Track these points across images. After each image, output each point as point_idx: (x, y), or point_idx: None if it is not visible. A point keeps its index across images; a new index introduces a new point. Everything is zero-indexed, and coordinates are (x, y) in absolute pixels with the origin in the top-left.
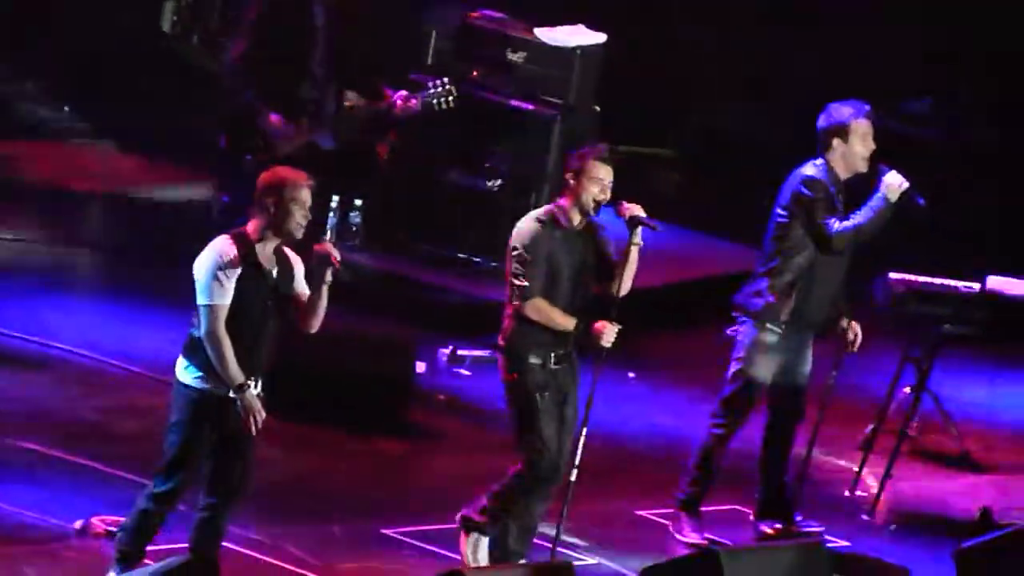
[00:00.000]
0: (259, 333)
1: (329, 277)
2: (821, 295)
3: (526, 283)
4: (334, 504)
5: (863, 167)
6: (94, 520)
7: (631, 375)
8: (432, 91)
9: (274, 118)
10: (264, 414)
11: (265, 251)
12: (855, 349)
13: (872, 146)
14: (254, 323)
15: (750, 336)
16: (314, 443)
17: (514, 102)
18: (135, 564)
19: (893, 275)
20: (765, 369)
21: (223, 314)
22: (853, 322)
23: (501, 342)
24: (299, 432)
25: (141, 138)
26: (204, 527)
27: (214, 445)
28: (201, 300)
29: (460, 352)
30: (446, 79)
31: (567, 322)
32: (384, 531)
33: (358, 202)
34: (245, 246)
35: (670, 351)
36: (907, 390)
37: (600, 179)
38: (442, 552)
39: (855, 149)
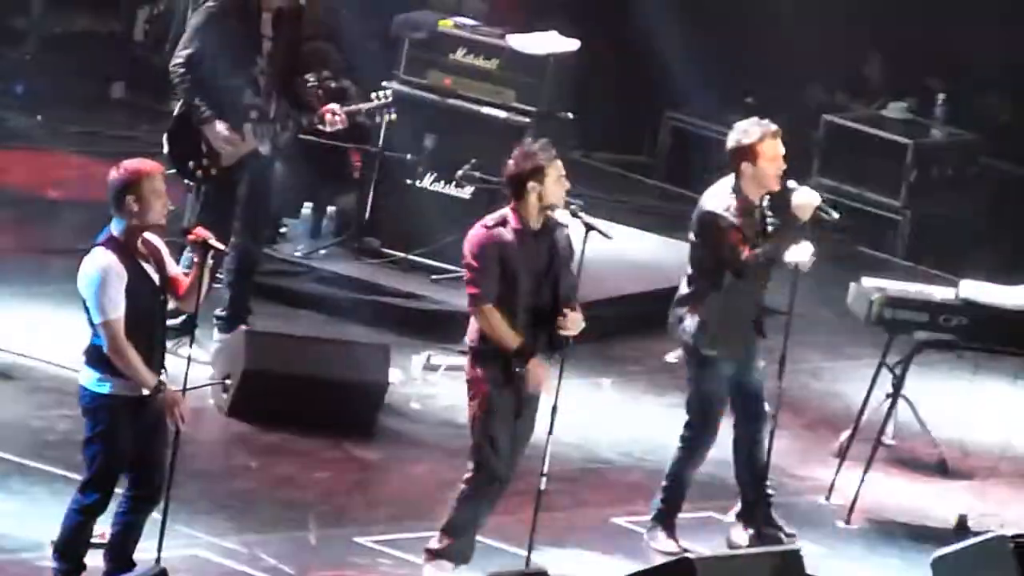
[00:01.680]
0: (155, 330)
1: (210, 260)
2: (743, 318)
3: (476, 290)
4: (308, 512)
5: (774, 186)
6: None
7: (607, 382)
8: (373, 104)
9: (220, 126)
10: (186, 404)
11: (139, 249)
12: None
13: (780, 162)
14: (151, 322)
15: (690, 360)
16: (288, 451)
17: (487, 109)
18: None
19: (867, 281)
20: (713, 388)
21: (121, 326)
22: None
23: (468, 342)
24: (273, 440)
25: (115, 146)
26: (126, 524)
27: (134, 447)
28: (97, 319)
29: (434, 360)
30: (387, 92)
31: (511, 340)
32: (358, 539)
33: (331, 209)
34: (122, 252)
35: (646, 358)
36: (883, 397)
37: (563, 175)
38: (416, 560)
39: (764, 170)
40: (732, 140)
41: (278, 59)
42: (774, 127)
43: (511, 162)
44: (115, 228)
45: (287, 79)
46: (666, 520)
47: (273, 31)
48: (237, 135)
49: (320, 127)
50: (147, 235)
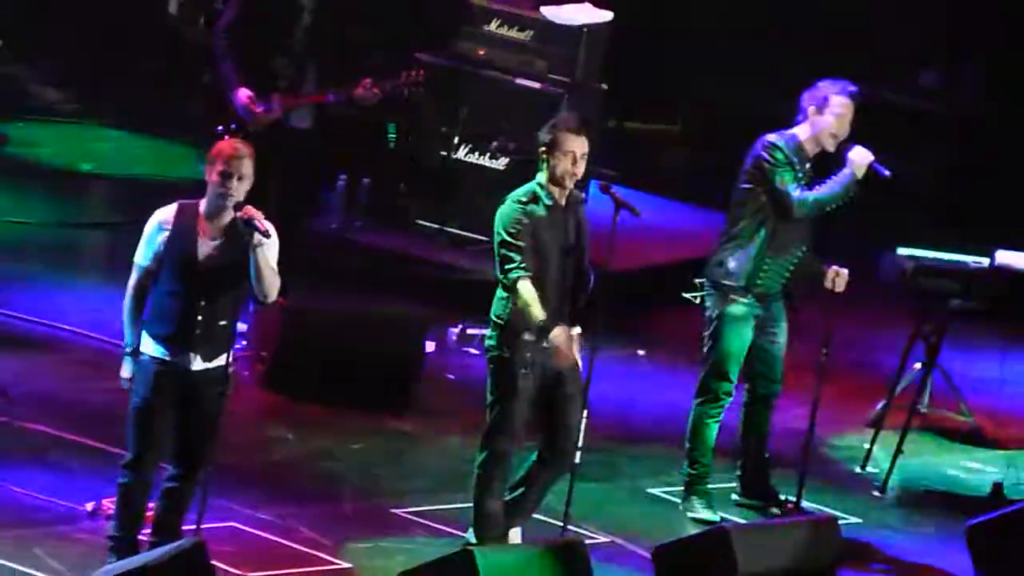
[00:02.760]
0: (190, 306)
1: (257, 241)
2: (783, 263)
3: (511, 264)
4: (345, 484)
5: (831, 146)
6: (105, 502)
7: (640, 352)
8: (403, 79)
9: (242, 93)
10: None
11: (215, 224)
12: (840, 289)
13: (846, 126)
14: (183, 295)
15: (716, 308)
16: (324, 423)
17: (520, 80)
18: (126, 552)
19: (901, 251)
20: (735, 340)
21: (139, 273)
22: (834, 268)
23: (495, 318)
24: (309, 412)
25: (149, 120)
26: (166, 498)
27: (176, 415)
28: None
29: (470, 331)
30: (416, 70)
31: (539, 315)
32: (395, 510)
33: (366, 180)
34: (187, 216)
35: (678, 328)
36: (917, 366)
37: (572, 151)
38: (452, 531)
39: (828, 123)
40: (809, 91)
41: (319, 32)
42: (853, 89)
43: (539, 134)
44: (204, 199)
45: (329, 54)
46: (699, 486)
47: (315, 2)
48: (260, 104)
49: (354, 101)
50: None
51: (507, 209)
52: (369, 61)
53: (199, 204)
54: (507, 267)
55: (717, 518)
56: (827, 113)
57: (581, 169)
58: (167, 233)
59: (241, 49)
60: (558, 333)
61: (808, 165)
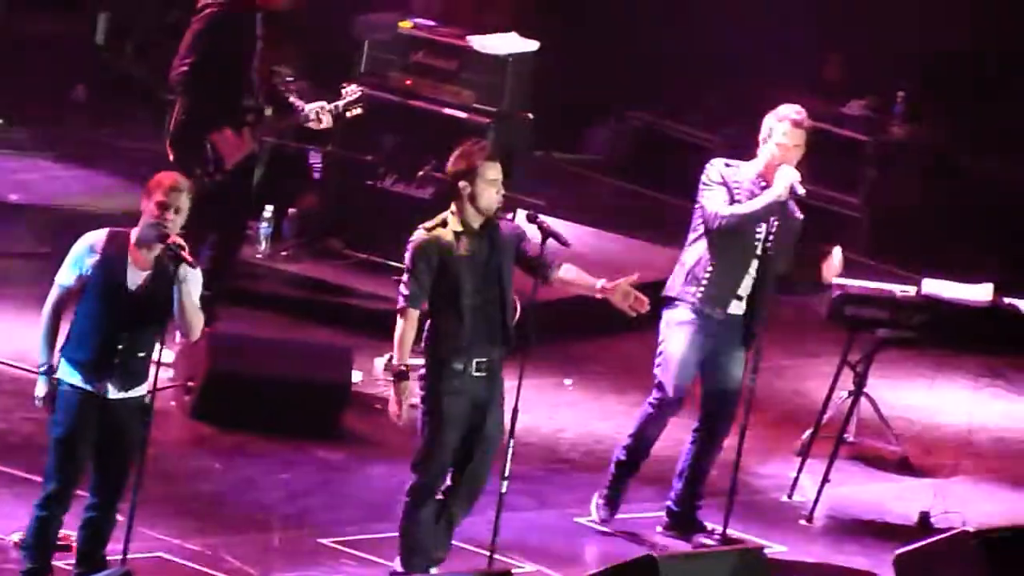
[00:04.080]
0: (113, 332)
1: (182, 275)
2: (730, 280)
3: (404, 293)
4: (273, 514)
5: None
6: None
7: (568, 382)
8: (348, 99)
9: (228, 133)
10: (48, 406)
11: (146, 253)
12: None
13: (792, 152)
14: (109, 323)
15: (666, 320)
16: (251, 452)
17: (447, 110)
18: None
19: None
20: (685, 351)
21: (58, 292)
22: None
23: (424, 345)
24: (236, 441)
25: (79, 150)
26: (89, 528)
27: (96, 445)
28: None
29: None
30: (355, 86)
31: (399, 355)
32: (322, 540)
33: (292, 211)
34: (117, 243)
35: (607, 358)
36: (844, 394)
37: (495, 179)
38: (380, 561)
39: (773, 152)
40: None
41: (265, 59)
42: (796, 116)
43: (449, 161)
44: (139, 224)
45: (268, 78)
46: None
47: (263, 30)
48: (241, 139)
49: (308, 125)
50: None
51: (413, 237)
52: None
53: (130, 233)
54: (401, 294)
55: (609, 517)
56: (771, 143)
57: (500, 197)
58: (97, 257)
59: (208, 90)
60: (395, 392)
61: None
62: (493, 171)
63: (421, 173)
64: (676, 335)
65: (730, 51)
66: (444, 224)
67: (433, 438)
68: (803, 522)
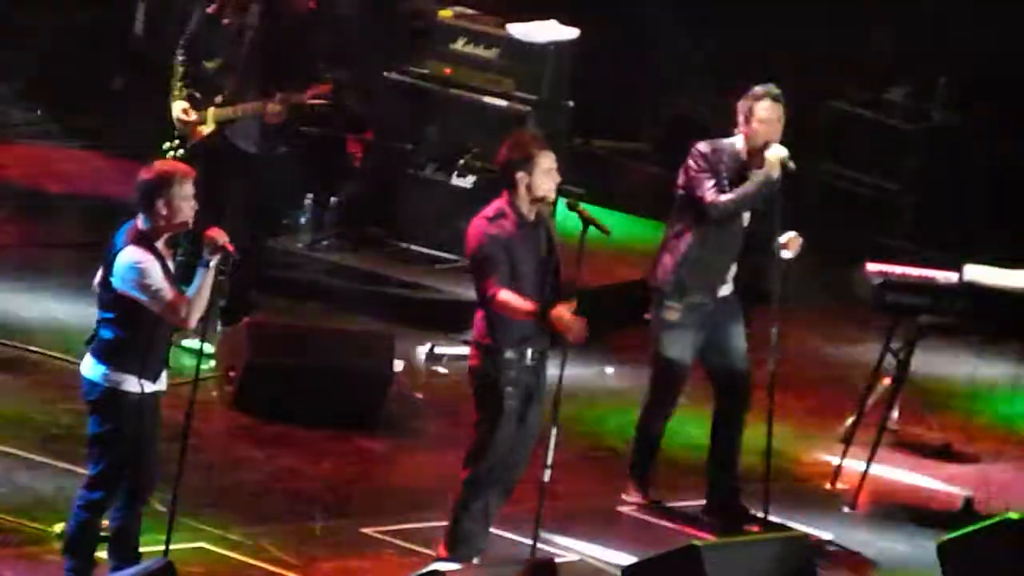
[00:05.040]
0: (168, 328)
1: (215, 262)
2: (718, 266)
3: (489, 281)
4: (314, 503)
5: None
6: None
7: (609, 370)
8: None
9: (177, 106)
10: None
11: (161, 244)
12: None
13: (775, 129)
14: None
15: (654, 315)
16: (292, 442)
17: (487, 99)
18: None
19: (871, 266)
20: (675, 345)
21: (175, 298)
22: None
23: (478, 340)
24: (277, 431)
25: (118, 140)
26: (123, 519)
27: (135, 440)
28: (159, 308)
29: (438, 349)
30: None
31: (531, 305)
32: (363, 530)
33: (333, 199)
34: (150, 247)
35: (648, 346)
36: (887, 382)
37: (552, 168)
38: (422, 550)
39: (756, 131)
40: (743, 98)
41: (260, 51)
42: (776, 91)
43: (502, 151)
44: (141, 224)
45: (268, 73)
46: (637, 474)
47: (259, 21)
48: (191, 116)
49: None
50: (212, 233)
51: (476, 227)
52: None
53: (144, 232)
54: (484, 285)
55: (645, 502)
56: (753, 122)
57: (555, 181)
58: (163, 275)
59: (193, 65)
60: (559, 312)
61: (748, 168)
62: (549, 160)
63: (461, 162)
64: (669, 336)
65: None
66: (502, 214)
67: (491, 431)
68: (846, 509)
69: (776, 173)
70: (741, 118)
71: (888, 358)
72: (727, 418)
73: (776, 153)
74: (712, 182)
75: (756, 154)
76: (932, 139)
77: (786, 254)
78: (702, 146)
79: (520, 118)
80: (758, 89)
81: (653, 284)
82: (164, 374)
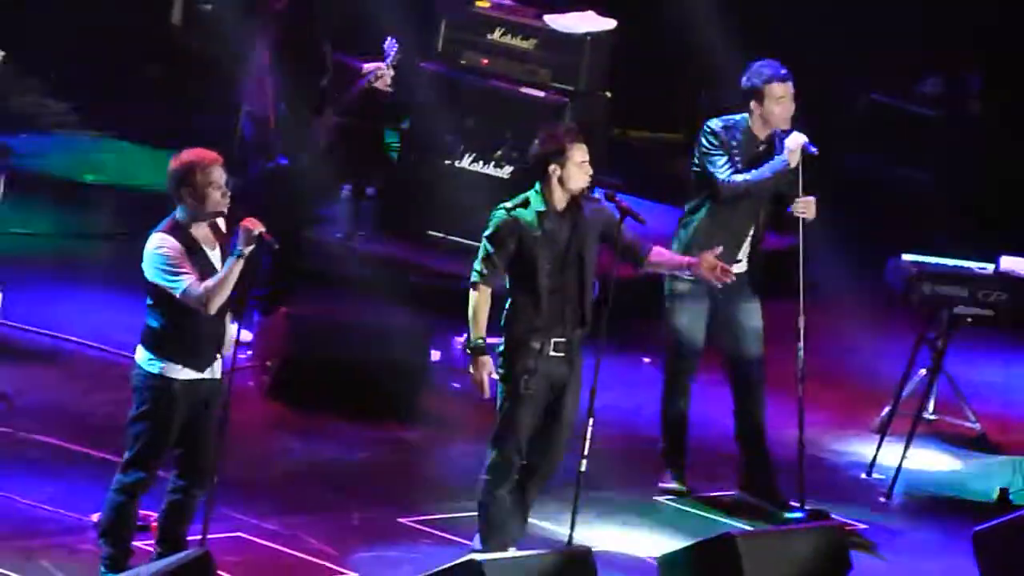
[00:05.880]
0: (214, 315)
1: (247, 252)
2: (729, 241)
3: (477, 268)
4: (351, 493)
5: (784, 125)
6: None
7: (646, 360)
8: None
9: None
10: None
11: (203, 236)
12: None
13: (788, 107)
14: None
15: (667, 290)
16: (330, 432)
17: (525, 89)
18: (124, 566)
19: (906, 257)
20: (681, 315)
21: (197, 285)
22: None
23: (502, 326)
24: (314, 421)
25: (150, 130)
26: (173, 509)
27: (186, 428)
28: (178, 293)
29: None
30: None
31: (476, 330)
32: (401, 520)
33: (370, 190)
34: (181, 236)
35: None
36: (922, 372)
37: (585, 161)
38: (459, 540)
39: (771, 112)
40: (744, 79)
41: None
42: (783, 71)
43: (535, 142)
44: (178, 214)
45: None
46: (669, 458)
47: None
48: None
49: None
50: (220, 226)
51: (493, 215)
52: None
53: (178, 221)
54: (474, 269)
55: (684, 488)
56: (766, 103)
57: (587, 174)
58: (187, 260)
59: (285, 75)
60: (478, 364)
61: (762, 147)
62: (581, 152)
63: (499, 152)
64: (679, 308)
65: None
66: (526, 204)
67: (510, 417)
68: (882, 499)
69: (795, 160)
70: (751, 102)
71: (923, 348)
72: (745, 393)
73: (796, 140)
74: (724, 159)
75: (768, 130)
76: (965, 129)
77: (803, 214)
78: (714, 123)
79: (557, 109)
80: (764, 69)
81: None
82: (216, 363)
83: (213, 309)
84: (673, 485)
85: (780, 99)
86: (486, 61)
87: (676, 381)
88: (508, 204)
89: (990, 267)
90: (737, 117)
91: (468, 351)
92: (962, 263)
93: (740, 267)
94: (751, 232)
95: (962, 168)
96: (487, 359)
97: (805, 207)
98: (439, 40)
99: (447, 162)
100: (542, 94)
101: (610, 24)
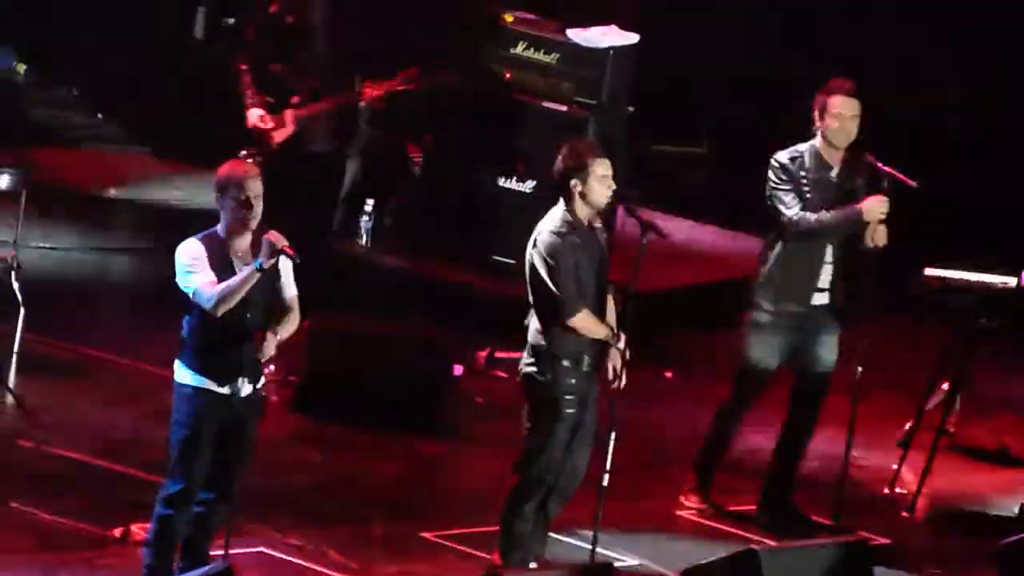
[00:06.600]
0: (244, 329)
1: (267, 265)
2: (809, 274)
3: (564, 296)
4: (373, 508)
5: (843, 142)
6: (133, 527)
7: (667, 374)
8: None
9: (253, 113)
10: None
11: (238, 247)
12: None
13: (851, 125)
14: (238, 322)
15: (749, 319)
16: (352, 445)
17: (547, 103)
18: None
19: (928, 270)
20: (762, 349)
21: (209, 287)
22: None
23: (534, 345)
24: (337, 435)
25: (175, 143)
26: (197, 522)
27: (217, 442)
28: (189, 293)
29: (498, 354)
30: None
31: (606, 331)
32: (423, 534)
33: (392, 203)
34: (214, 246)
35: (706, 349)
36: (945, 386)
37: (607, 175)
38: (482, 555)
39: (832, 128)
40: (817, 95)
41: (330, 47)
42: (850, 85)
43: (558, 159)
44: (219, 225)
45: (346, 68)
46: (701, 473)
47: (323, 17)
48: (271, 119)
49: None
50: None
51: (547, 239)
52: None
53: (217, 232)
54: (560, 300)
55: (708, 506)
56: (828, 119)
57: (610, 189)
58: (206, 264)
59: (257, 69)
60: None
61: (833, 171)
62: (603, 167)
63: (521, 167)
64: (756, 339)
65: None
66: (565, 224)
67: (547, 438)
68: (905, 514)
69: (869, 219)
70: (816, 114)
71: (947, 362)
72: (799, 423)
73: (876, 210)
74: (792, 196)
75: (837, 151)
76: (986, 144)
77: (879, 243)
78: (781, 156)
79: (580, 123)
80: (832, 83)
81: (749, 297)
82: (248, 381)
83: (219, 312)
84: (697, 501)
85: (841, 114)
86: (509, 75)
87: (737, 405)
88: (553, 228)
89: (1013, 280)
90: (804, 146)
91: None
92: (984, 276)
93: (823, 298)
94: (828, 260)
95: (985, 182)
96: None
97: (880, 236)
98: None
99: (469, 175)
100: (564, 108)
101: (633, 38)
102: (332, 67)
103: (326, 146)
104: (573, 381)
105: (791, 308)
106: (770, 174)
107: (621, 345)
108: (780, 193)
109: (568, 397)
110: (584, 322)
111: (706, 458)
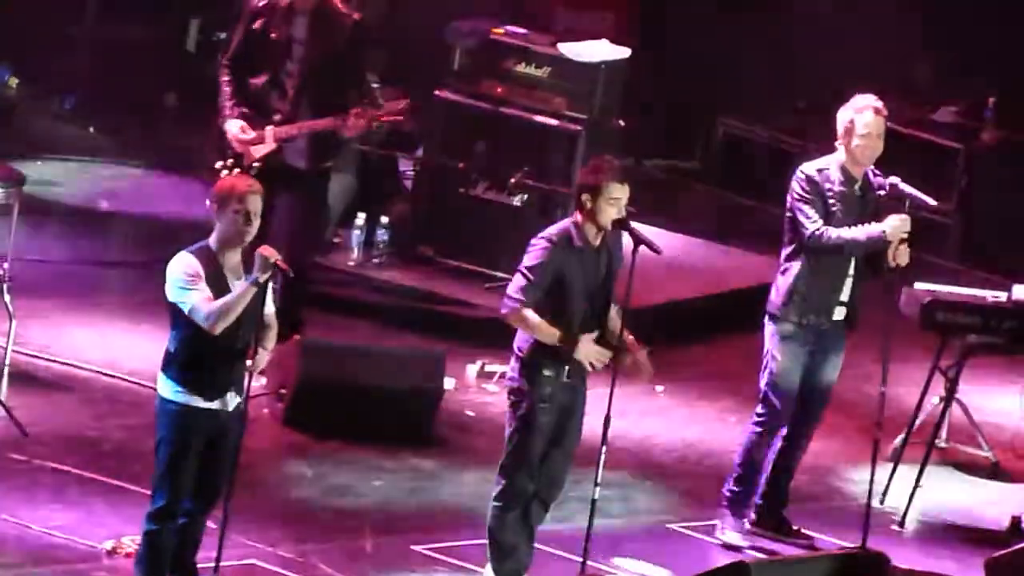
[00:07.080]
0: (234, 344)
1: (262, 280)
2: (831, 287)
3: (518, 295)
4: (364, 521)
5: (870, 160)
6: (124, 540)
7: (660, 389)
8: (385, 111)
9: (233, 125)
10: None
11: (230, 261)
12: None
13: (875, 143)
14: (230, 336)
15: (770, 333)
16: (343, 459)
17: (538, 118)
18: None
19: (919, 285)
20: (788, 364)
21: (205, 303)
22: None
23: (517, 350)
24: (327, 448)
25: (165, 157)
26: (182, 535)
27: (201, 455)
28: (185, 309)
29: (488, 367)
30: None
31: (552, 335)
32: (414, 547)
33: (384, 219)
34: (207, 260)
35: (699, 364)
36: (935, 400)
37: (618, 199)
38: (472, 568)
39: (857, 145)
40: (841, 111)
41: (309, 64)
42: (874, 104)
43: (579, 172)
44: (211, 238)
45: (321, 86)
46: (737, 506)
47: (308, 34)
48: (251, 135)
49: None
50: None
51: (536, 244)
52: (362, 94)
53: (209, 246)
54: (513, 296)
55: (746, 544)
56: (854, 136)
57: (622, 215)
58: (202, 280)
59: (239, 82)
60: (584, 343)
61: (857, 184)
62: (617, 191)
63: (512, 180)
64: (782, 350)
65: (820, 56)
66: (565, 234)
67: (522, 444)
68: (895, 527)
69: (891, 239)
70: (841, 129)
71: (937, 377)
72: (793, 436)
73: (899, 229)
74: (814, 210)
75: (861, 167)
76: (980, 159)
77: (899, 263)
78: (807, 168)
79: (571, 137)
80: (859, 100)
81: (768, 308)
82: (234, 395)
83: (217, 329)
84: (735, 535)
85: (867, 133)
86: (500, 89)
87: (769, 426)
88: (552, 237)
89: (1004, 295)
90: (830, 159)
91: (565, 348)
92: (975, 292)
93: (841, 312)
94: (851, 272)
95: (980, 197)
96: (585, 336)
97: (901, 255)
98: (453, 66)
99: (460, 190)
100: (555, 122)
101: (624, 52)
102: (311, 86)
103: (303, 162)
104: (550, 390)
105: (814, 321)
106: (794, 185)
107: (584, 343)
108: (803, 205)
109: (543, 405)
110: (526, 322)
111: (740, 487)
